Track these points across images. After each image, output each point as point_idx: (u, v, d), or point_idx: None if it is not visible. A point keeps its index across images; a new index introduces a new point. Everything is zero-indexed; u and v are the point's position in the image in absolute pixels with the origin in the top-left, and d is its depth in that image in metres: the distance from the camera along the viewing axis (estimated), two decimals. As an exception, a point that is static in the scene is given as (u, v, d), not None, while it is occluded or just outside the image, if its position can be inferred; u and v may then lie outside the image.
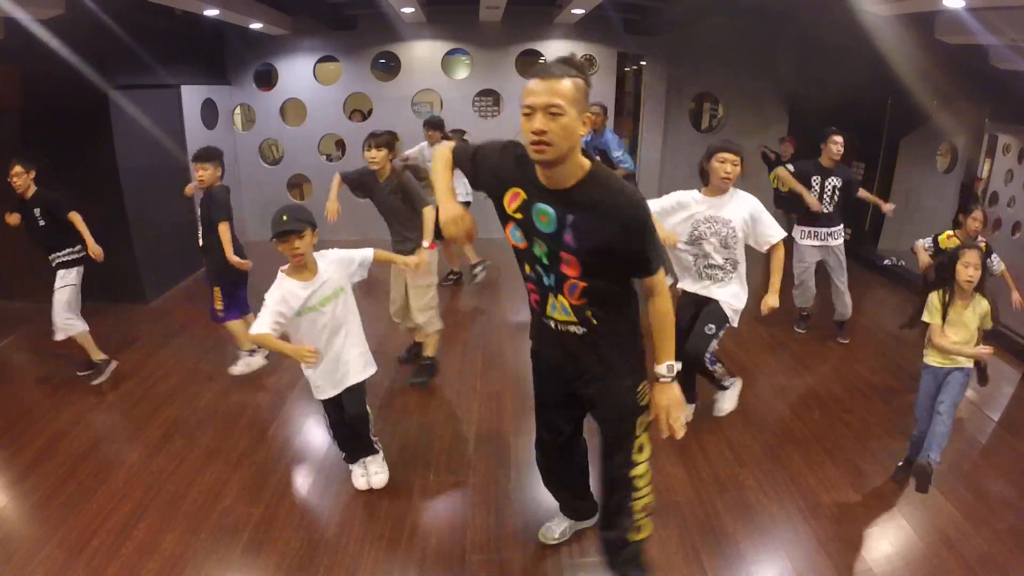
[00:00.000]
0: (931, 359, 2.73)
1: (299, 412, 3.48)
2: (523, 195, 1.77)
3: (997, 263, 3.49)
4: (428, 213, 3.44)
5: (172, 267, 5.48)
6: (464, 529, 2.55)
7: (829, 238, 4.24)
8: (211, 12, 4.57)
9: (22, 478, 2.88)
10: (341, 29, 6.61)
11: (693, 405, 3.30)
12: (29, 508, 2.69)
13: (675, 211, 3.00)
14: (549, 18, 6.57)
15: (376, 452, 2.87)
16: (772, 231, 2.91)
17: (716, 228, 2.91)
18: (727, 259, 2.95)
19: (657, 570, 2.32)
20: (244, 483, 2.84)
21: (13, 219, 3.72)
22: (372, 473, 2.84)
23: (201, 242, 3.69)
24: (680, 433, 1.88)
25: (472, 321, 4.88)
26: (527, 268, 1.89)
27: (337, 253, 2.65)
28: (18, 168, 3.59)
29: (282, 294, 2.47)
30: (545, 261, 1.80)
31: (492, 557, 2.41)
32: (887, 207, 4.45)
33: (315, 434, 3.27)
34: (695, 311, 3.05)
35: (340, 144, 7.36)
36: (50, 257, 3.69)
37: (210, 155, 3.58)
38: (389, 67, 7.30)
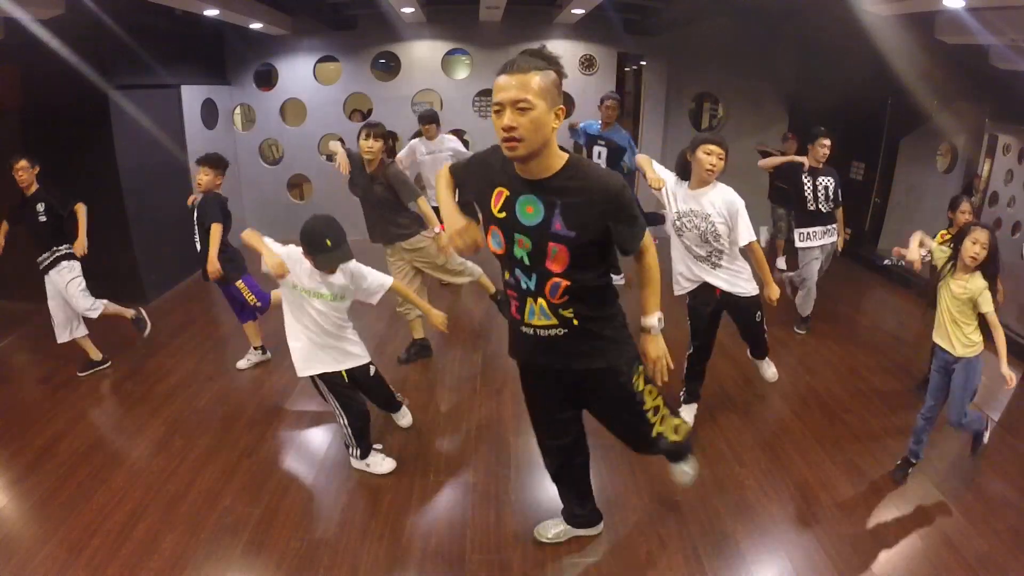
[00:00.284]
0: (936, 337, 2.74)
1: (299, 412, 3.48)
2: (506, 192, 1.77)
3: None
4: (423, 202, 3.60)
5: (172, 267, 5.47)
6: (464, 529, 2.55)
7: (826, 236, 4.34)
8: (211, 12, 4.57)
9: (22, 478, 2.88)
10: (341, 29, 6.60)
11: (695, 404, 3.30)
12: (29, 508, 2.69)
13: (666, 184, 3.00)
14: (549, 18, 6.56)
15: (401, 404, 3.19)
16: (742, 233, 2.86)
17: (696, 222, 2.89)
18: (710, 252, 2.93)
19: (657, 570, 2.33)
20: (244, 483, 2.84)
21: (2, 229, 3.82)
22: (400, 417, 3.21)
23: (199, 247, 3.69)
24: (665, 377, 2.01)
25: (472, 321, 4.87)
26: (506, 274, 1.90)
27: (358, 267, 2.75)
28: (24, 163, 3.62)
29: (292, 263, 2.63)
30: (527, 262, 1.80)
31: (492, 557, 2.41)
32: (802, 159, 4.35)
33: (315, 434, 3.27)
34: (714, 308, 3.04)
35: (340, 144, 7.34)
36: (51, 250, 3.70)
37: (215, 162, 3.62)
38: (389, 67, 7.29)
